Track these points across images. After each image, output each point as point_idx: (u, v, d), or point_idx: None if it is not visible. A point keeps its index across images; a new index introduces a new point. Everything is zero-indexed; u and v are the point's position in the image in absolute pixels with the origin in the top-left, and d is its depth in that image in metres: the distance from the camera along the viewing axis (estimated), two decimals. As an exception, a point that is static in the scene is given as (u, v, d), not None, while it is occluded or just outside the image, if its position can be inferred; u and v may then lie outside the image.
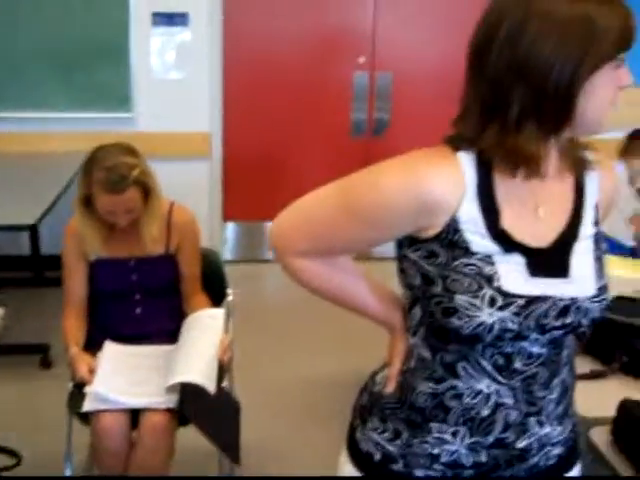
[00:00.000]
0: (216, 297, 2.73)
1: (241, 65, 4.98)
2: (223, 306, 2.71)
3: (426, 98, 5.07)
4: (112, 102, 4.74)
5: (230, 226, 5.35)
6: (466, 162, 1.21)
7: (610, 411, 1.81)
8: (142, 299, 2.61)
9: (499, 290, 1.19)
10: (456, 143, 1.23)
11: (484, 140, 1.18)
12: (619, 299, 2.18)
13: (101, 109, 4.73)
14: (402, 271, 1.30)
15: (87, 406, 2.31)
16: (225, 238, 5.34)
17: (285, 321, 4.30)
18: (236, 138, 5.10)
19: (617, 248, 2.94)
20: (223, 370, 2.49)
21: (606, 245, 2.68)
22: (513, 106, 1.16)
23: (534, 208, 1.25)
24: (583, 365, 2.04)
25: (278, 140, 5.16)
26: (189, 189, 4.84)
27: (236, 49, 4.95)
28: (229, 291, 2.77)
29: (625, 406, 1.73)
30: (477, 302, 1.18)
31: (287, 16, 4.96)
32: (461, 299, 1.19)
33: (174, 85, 4.81)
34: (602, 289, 1.29)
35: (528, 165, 1.18)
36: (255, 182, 5.19)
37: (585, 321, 1.27)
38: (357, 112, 5.17)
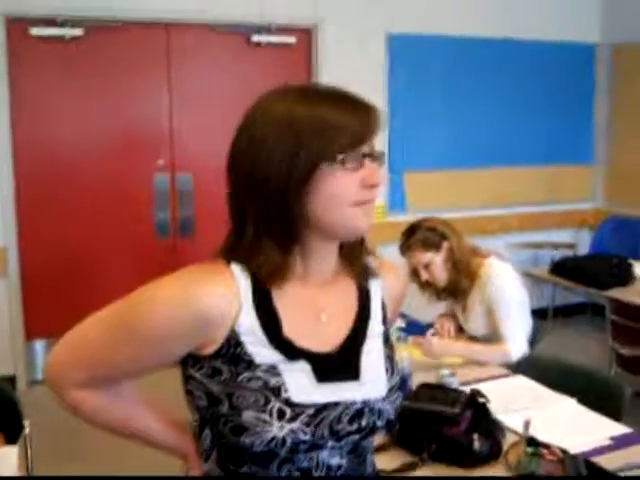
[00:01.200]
0: (11, 432, 2.48)
1: (35, 175, 4.76)
2: (19, 441, 2.48)
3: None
4: None
5: (37, 344, 5.01)
6: (240, 274, 1.17)
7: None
8: None
9: (287, 401, 1.14)
10: (227, 255, 1.19)
11: (240, 255, 1.17)
12: (423, 387, 2.18)
13: None
14: (189, 392, 1.23)
15: None
16: (33, 357, 5.00)
17: (96, 439, 4.02)
18: (35, 251, 4.82)
19: (415, 328, 3.01)
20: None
21: (405, 329, 2.71)
22: (248, 225, 1.15)
23: (316, 314, 1.23)
24: (394, 458, 2.02)
25: (81, 249, 4.94)
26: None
27: (28, 159, 4.72)
28: (25, 423, 2.54)
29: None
30: (266, 417, 1.13)
31: (80, 122, 4.83)
32: (249, 415, 1.13)
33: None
34: (393, 389, 1.27)
35: (276, 276, 1.17)
36: (60, 295, 4.91)
37: (380, 422, 1.24)
38: (160, 214, 5.10)
